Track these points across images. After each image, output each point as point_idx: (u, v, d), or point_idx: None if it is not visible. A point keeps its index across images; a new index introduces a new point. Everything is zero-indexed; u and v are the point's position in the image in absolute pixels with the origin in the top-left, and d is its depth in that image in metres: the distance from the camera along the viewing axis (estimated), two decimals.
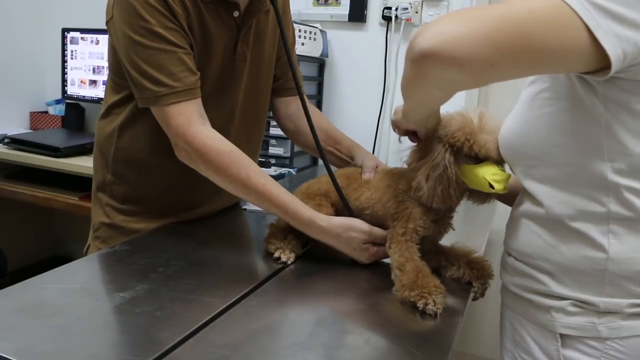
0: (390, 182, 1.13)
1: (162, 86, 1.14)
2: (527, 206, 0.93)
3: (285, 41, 1.28)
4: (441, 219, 1.12)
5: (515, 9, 0.71)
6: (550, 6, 0.70)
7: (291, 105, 1.50)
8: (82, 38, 2.96)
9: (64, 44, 3.01)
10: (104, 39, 2.88)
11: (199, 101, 1.19)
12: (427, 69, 0.75)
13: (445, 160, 1.00)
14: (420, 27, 0.77)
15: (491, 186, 0.97)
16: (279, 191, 1.15)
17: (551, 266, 0.89)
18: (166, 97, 1.15)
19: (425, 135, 1.06)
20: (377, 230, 1.14)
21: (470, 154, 1.00)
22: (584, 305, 0.85)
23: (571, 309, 0.87)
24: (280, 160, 2.23)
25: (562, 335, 0.88)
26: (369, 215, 1.16)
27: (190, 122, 1.15)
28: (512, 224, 0.99)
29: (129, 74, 1.18)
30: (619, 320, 0.83)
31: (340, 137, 1.45)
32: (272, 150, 2.20)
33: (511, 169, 1.00)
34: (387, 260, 1.13)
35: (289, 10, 1.48)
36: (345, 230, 1.14)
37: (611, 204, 0.82)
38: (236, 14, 1.26)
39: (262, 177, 1.16)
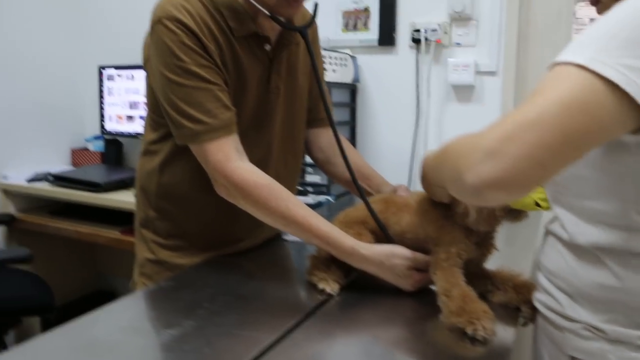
0: (429, 207, 1.13)
1: (200, 124, 1.17)
2: (555, 226, 0.93)
3: (317, 74, 1.29)
4: (483, 241, 1.11)
5: (549, 109, 0.67)
6: (582, 88, 0.67)
7: (322, 136, 1.52)
8: (118, 75, 3.04)
9: (100, 81, 3.09)
10: (139, 74, 2.95)
11: (235, 137, 1.20)
12: (482, 198, 0.72)
13: None
14: (462, 154, 0.73)
15: (537, 205, 0.97)
16: (318, 222, 1.15)
17: (570, 288, 0.88)
18: (204, 134, 1.17)
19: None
20: (420, 256, 1.14)
21: None
22: (594, 331, 0.84)
23: (583, 332, 0.86)
24: (317, 188, 2.23)
25: (572, 358, 0.87)
26: (410, 239, 1.15)
27: (228, 157, 1.17)
28: (543, 240, 0.98)
29: (166, 112, 1.21)
30: (629, 351, 0.82)
31: (370, 174, 1.46)
32: (309, 178, 2.21)
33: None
34: (432, 287, 1.12)
35: (318, 40, 1.50)
36: (388, 258, 1.13)
37: (633, 240, 0.80)
38: (268, 47, 1.28)
39: (302, 209, 1.17)
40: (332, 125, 1.28)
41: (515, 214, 1.08)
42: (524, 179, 0.68)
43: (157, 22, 1.17)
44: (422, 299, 1.13)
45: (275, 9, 1.19)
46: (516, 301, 1.09)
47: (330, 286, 1.14)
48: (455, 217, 1.06)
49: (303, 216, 1.16)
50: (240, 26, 1.22)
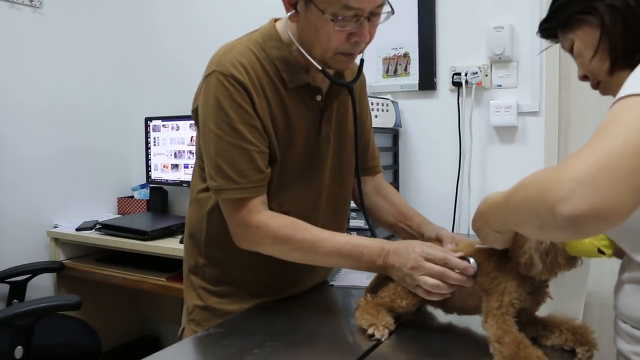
0: (482, 259, 1.11)
1: (228, 181, 1.20)
2: (638, 274, 0.89)
3: (356, 128, 1.36)
4: (538, 290, 1.08)
5: (633, 137, 0.68)
6: None
7: (367, 184, 1.54)
8: (163, 125, 3.12)
9: (147, 132, 3.19)
10: (183, 125, 3.03)
11: (262, 197, 1.24)
12: (579, 230, 0.70)
13: None
14: (548, 187, 0.69)
15: (601, 252, 0.94)
16: (346, 236, 1.23)
17: None
18: (228, 192, 1.21)
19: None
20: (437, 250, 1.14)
21: None
22: None
23: None
24: (361, 233, 2.22)
25: None
26: (459, 294, 1.14)
27: (251, 211, 1.22)
28: (622, 290, 0.94)
29: (204, 160, 1.26)
30: None
31: (411, 214, 1.48)
32: (353, 223, 2.21)
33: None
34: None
35: (366, 91, 1.53)
36: (409, 243, 1.18)
37: None
38: (319, 98, 1.31)
39: (326, 231, 1.22)
40: (357, 167, 1.37)
41: (571, 261, 1.05)
42: (622, 207, 0.67)
43: (212, 74, 1.21)
44: (473, 344, 1.10)
45: (330, 63, 1.22)
46: (572, 342, 1.05)
47: (380, 332, 1.12)
48: (518, 268, 1.04)
49: (330, 233, 1.22)
50: (293, 78, 1.26)
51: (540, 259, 0.99)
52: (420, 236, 1.40)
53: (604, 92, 1.04)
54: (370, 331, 1.12)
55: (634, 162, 0.66)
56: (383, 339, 1.11)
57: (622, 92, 0.74)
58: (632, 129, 0.69)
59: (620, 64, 0.94)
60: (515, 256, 1.03)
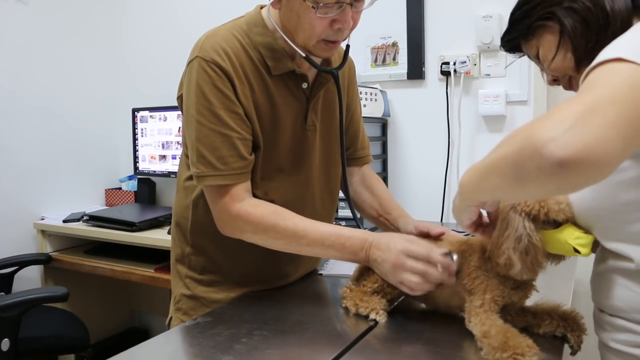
0: (462, 260, 1.11)
1: (209, 167, 1.19)
2: (612, 262, 0.90)
3: (341, 117, 1.34)
4: (523, 284, 1.07)
5: (620, 89, 0.69)
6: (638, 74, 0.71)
7: (355, 174, 1.54)
8: (150, 116, 3.10)
9: (134, 123, 3.16)
10: (171, 115, 3.01)
11: (245, 184, 1.23)
12: (565, 174, 0.67)
13: (527, 230, 0.97)
14: (535, 129, 0.66)
15: (576, 251, 0.94)
16: (328, 226, 1.21)
17: None
18: (210, 178, 1.20)
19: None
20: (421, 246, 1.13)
21: (547, 220, 0.97)
22: None
23: None
24: (350, 222, 2.22)
25: None
26: (442, 297, 1.15)
27: (234, 198, 1.21)
28: (598, 280, 0.95)
29: (186, 146, 1.25)
30: None
31: (390, 208, 1.48)
32: (342, 212, 2.20)
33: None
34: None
35: (355, 78, 1.51)
36: (392, 236, 1.17)
37: None
38: (305, 85, 1.29)
39: (309, 220, 1.21)
40: (342, 156, 1.36)
41: (555, 258, 1.05)
42: (611, 152, 0.65)
43: (194, 60, 1.20)
44: (462, 332, 1.10)
45: (314, 50, 1.21)
46: (564, 328, 1.05)
47: (380, 316, 1.14)
48: (497, 269, 1.03)
49: (313, 223, 1.20)
50: (278, 65, 1.25)
51: (520, 259, 0.97)
52: (397, 231, 1.40)
53: (576, 89, 1.05)
54: (372, 316, 1.14)
55: (621, 110, 0.67)
56: (382, 320, 1.13)
57: (595, 61, 0.75)
58: (619, 84, 0.70)
59: (585, 62, 0.96)
60: (494, 257, 1.02)
